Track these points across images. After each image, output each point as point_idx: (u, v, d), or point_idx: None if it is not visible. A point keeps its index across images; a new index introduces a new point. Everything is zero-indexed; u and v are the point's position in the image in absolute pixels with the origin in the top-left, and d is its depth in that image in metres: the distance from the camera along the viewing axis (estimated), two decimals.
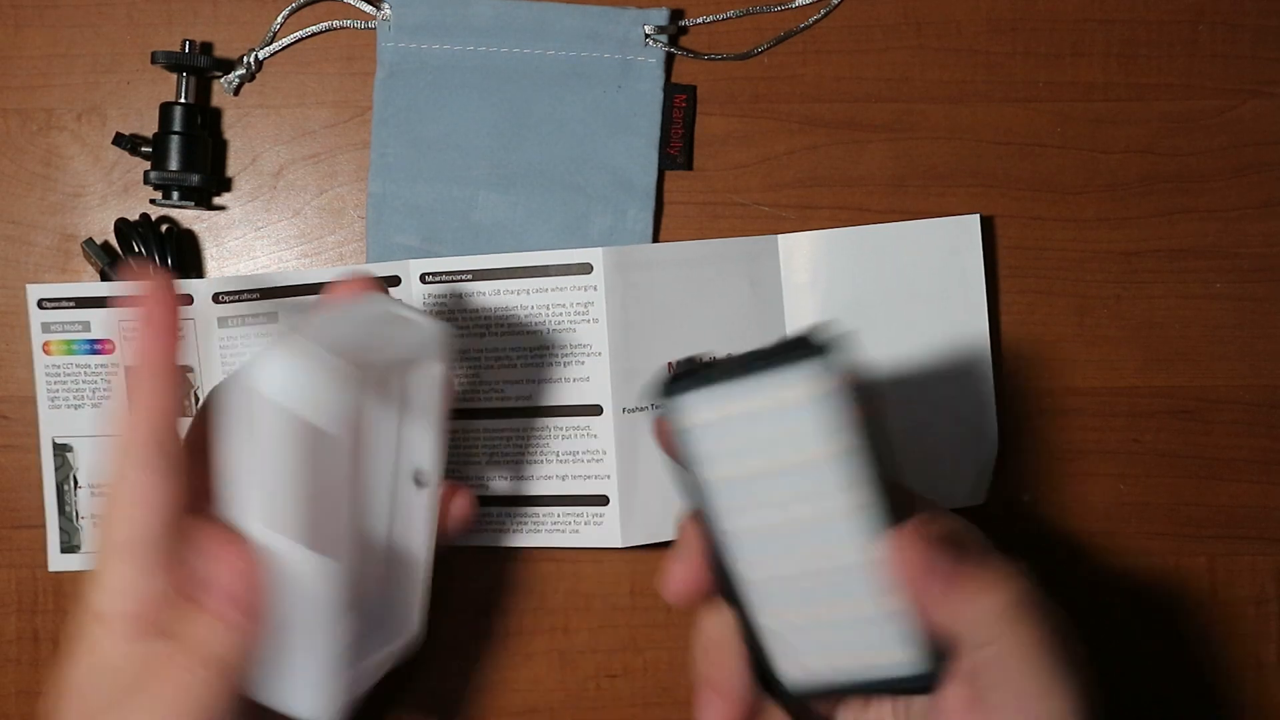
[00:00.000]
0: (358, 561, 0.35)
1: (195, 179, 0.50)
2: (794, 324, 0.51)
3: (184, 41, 0.50)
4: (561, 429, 0.49)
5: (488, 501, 0.50)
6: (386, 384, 0.33)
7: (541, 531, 0.50)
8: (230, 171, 0.52)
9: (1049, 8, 0.52)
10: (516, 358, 0.50)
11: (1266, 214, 0.52)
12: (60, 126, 0.51)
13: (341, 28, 0.51)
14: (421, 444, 0.39)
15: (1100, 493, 0.52)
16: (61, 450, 0.50)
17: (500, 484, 0.50)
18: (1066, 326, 0.52)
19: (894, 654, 0.33)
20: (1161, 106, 0.52)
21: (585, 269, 0.49)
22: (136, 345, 0.34)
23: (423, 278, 0.50)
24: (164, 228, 0.51)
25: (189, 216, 0.52)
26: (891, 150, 0.52)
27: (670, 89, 0.51)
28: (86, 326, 0.50)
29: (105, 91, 0.51)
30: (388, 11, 0.50)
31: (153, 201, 0.50)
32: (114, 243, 0.51)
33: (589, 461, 0.49)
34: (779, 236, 0.51)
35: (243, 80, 0.51)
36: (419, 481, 0.39)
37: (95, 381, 0.50)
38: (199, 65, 0.50)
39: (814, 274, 0.50)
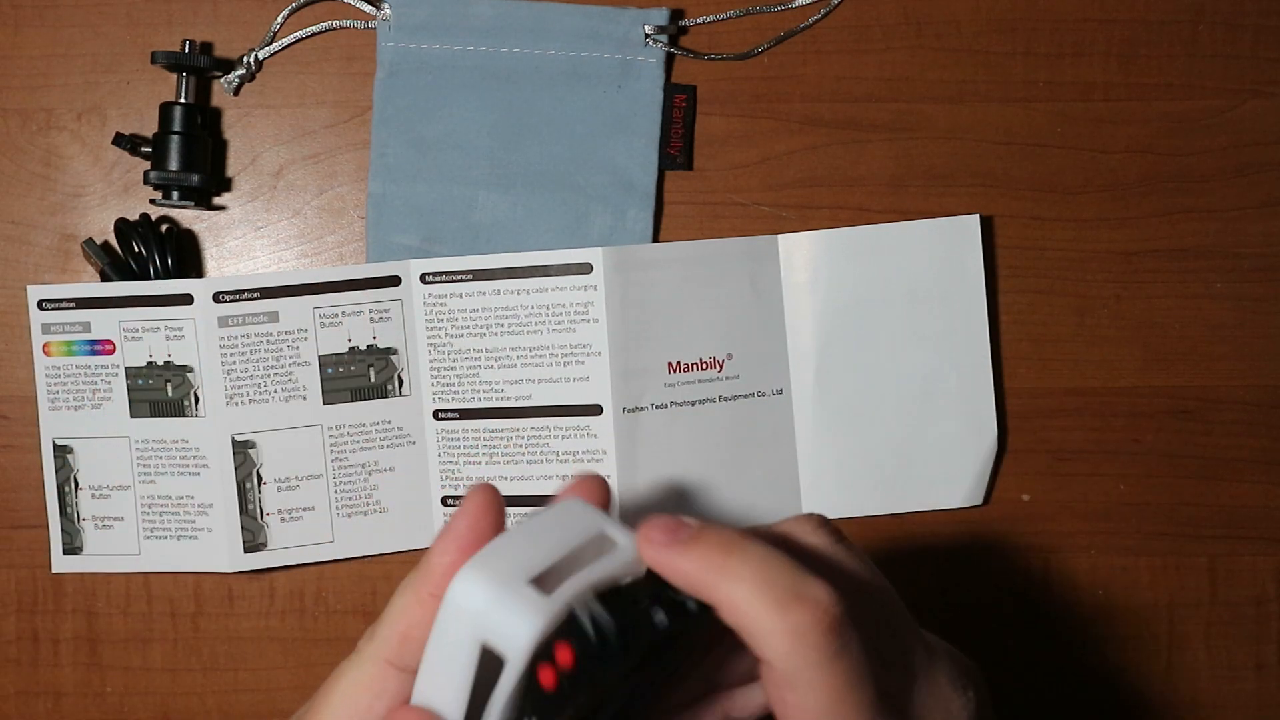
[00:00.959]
0: None
1: (195, 179, 0.50)
2: (794, 323, 0.51)
3: (184, 41, 0.50)
4: (561, 429, 0.49)
5: None
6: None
7: None
8: (230, 171, 0.52)
9: (1049, 8, 0.52)
10: (516, 358, 0.50)
11: (1266, 214, 0.52)
12: (60, 126, 0.51)
13: (341, 28, 0.51)
14: None
15: (1100, 493, 0.52)
16: (62, 451, 0.50)
17: (500, 484, 0.50)
18: (1066, 326, 0.52)
19: None
20: (1161, 106, 0.52)
21: (585, 269, 0.49)
22: (441, 541, 0.30)
23: (423, 278, 0.50)
24: (164, 228, 0.51)
25: (189, 216, 0.52)
26: (891, 150, 0.52)
27: (670, 89, 0.51)
28: (86, 327, 0.50)
29: (105, 91, 0.51)
30: (388, 11, 0.50)
31: (153, 201, 0.50)
32: (114, 243, 0.50)
33: (589, 461, 0.49)
34: (779, 236, 0.51)
35: (243, 80, 0.51)
36: None
37: (95, 383, 0.50)
38: (199, 65, 0.50)
39: (814, 274, 0.50)
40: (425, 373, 0.50)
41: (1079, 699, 0.52)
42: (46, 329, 0.50)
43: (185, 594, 0.51)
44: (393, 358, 0.50)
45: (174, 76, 0.50)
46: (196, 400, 0.49)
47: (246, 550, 0.50)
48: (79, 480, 0.50)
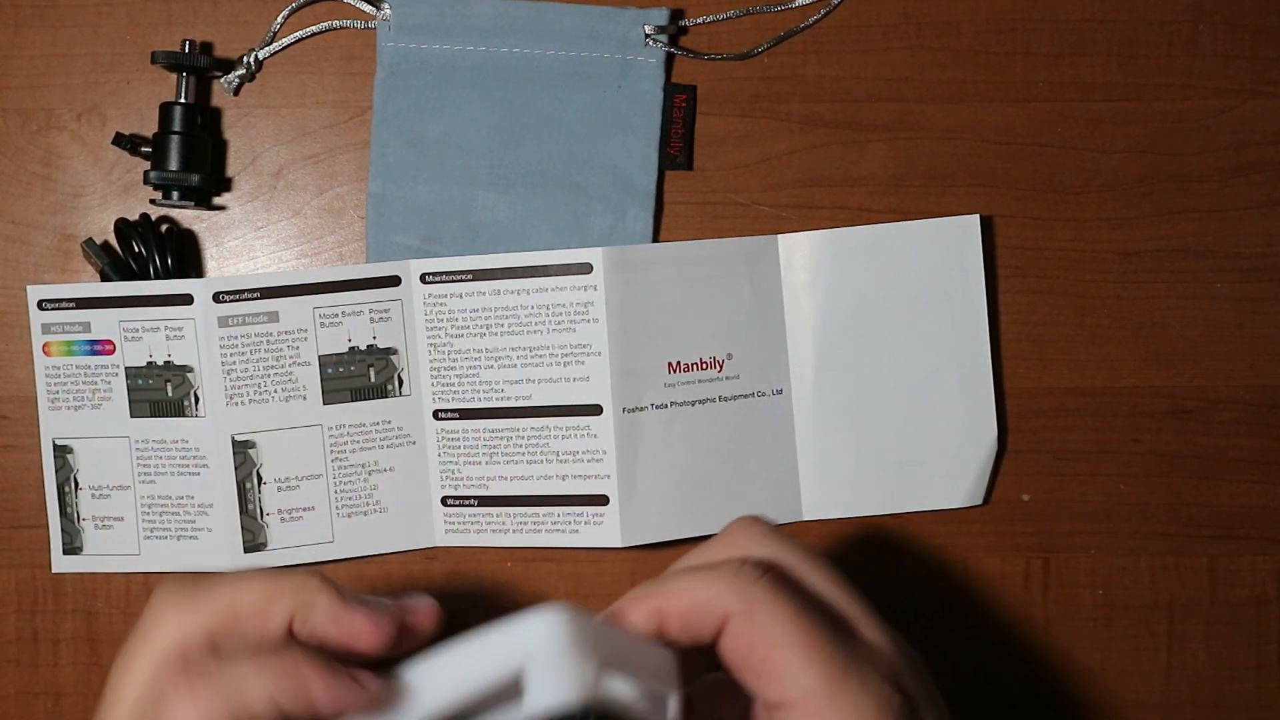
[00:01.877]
0: None
1: (195, 179, 0.50)
2: (794, 324, 0.51)
3: (184, 41, 0.50)
4: (561, 429, 0.49)
5: (488, 501, 0.50)
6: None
7: (541, 531, 0.50)
8: (230, 171, 0.52)
9: (1049, 8, 0.52)
10: (516, 358, 0.50)
11: (1266, 214, 0.52)
12: (60, 126, 0.51)
13: (341, 28, 0.51)
14: None
15: (1100, 493, 0.52)
16: (62, 452, 0.50)
17: (500, 484, 0.50)
18: (1066, 326, 0.52)
19: None
20: (1161, 106, 0.52)
21: (585, 269, 0.49)
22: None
23: (423, 278, 0.50)
24: (164, 228, 0.51)
25: (189, 216, 0.52)
26: (891, 150, 0.52)
27: (670, 89, 0.51)
28: (86, 327, 0.50)
29: (105, 91, 0.51)
30: (388, 11, 0.50)
31: (153, 201, 0.50)
32: (114, 243, 0.51)
33: (589, 461, 0.49)
34: (779, 236, 0.51)
35: (243, 80, 0.51)
36: None
37: (95, 383, 0.50)
38: (199, 65, 0.50)
39: (814, 274, 0.50)
40: (425, 373, 0.50)
41: (1079, 699, 0.52)
42: (46, 329, 0.50)
43: None
44: (393, 358, 0.50)
45: (174, 76, 0.50)
46: (196, 400, 0.49)
47: (246, 550, 0.50)
48: (79, 480, 0.50)
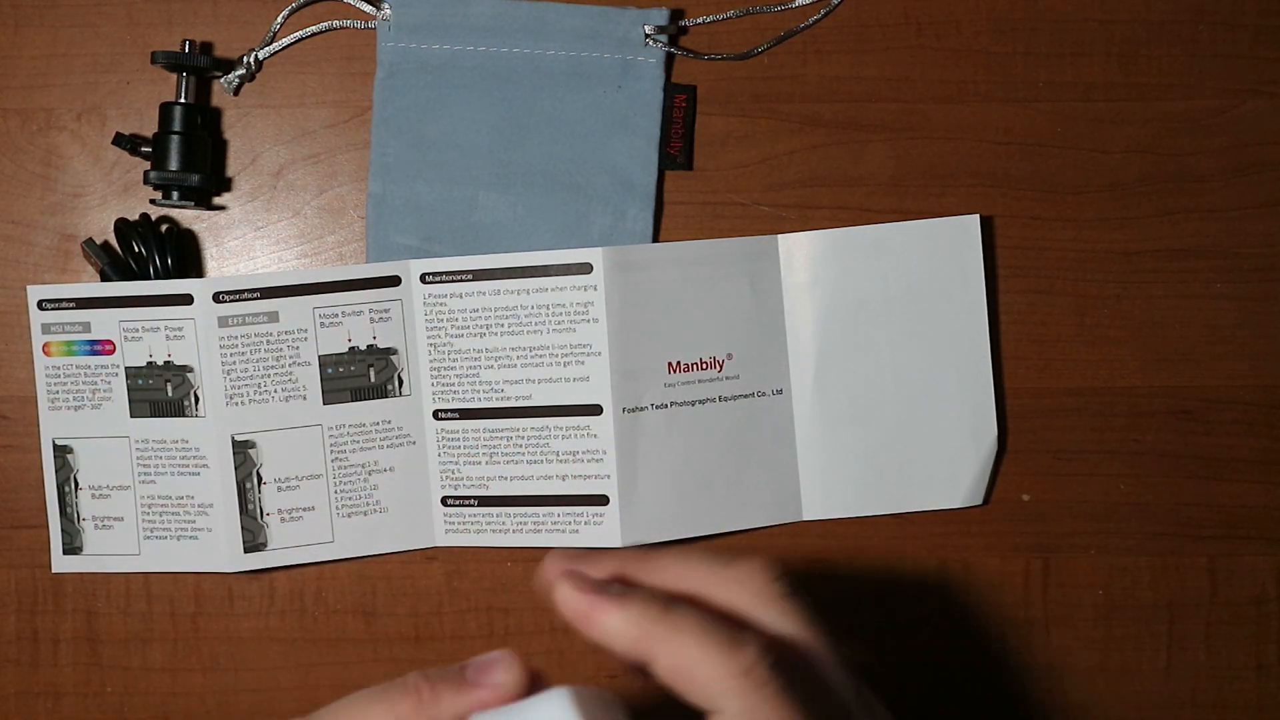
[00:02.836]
0: None
1: (195, 179, 0.50)
2: (794, 324, 0.51)
3: (184, 41, 0.50)
4: (561, 429, 0.49)
5: (488, 501, 0.50)
6: None
7: (541, 531, 0.50)
8: (230, 171, 0.52)
9: (1049, 8, 0.52)
10: (516, 358, 0.50)
11: (1266, 214, 0.52)
12: (60, 126, 0.51)
13: (341, 28, 0.51)
14: None
15: (1100, 493, 0.52)
16: (62, 452, 0.50)
17: (500, 484, 0.50)
18: (1066, 326, 0.52)
19: None
20: (1161, 106, 0.52)
21: (585, 269, 0.49)
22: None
23: (423, 278, 0.50)
24: (164, 228, 0.51)
25: (189, 216, 0.52)
26: (891, 150, 0.52)
27: (670, 89, 0.51)
28: (86, 327, 0.50)
29: (105, 91, 0.51)
30: (388, 11, 0.50)
31: (153, 201, 0.50)
32: (114, 243, 0.51)
33: (589, 461, 0.49)
34: (779, 236, 0.51)
35: (243, 80, 0.51)
36: None
37: (95, 383, 0.50)
38: (199, 65, 0.50)
39: (814, 274, 0.50)
40: (425, 373, 0.50)
41: (1079, 699, 0.52)
42: (46, 329, 0.50)
43: (185, 594, 0.51)
44: (393, 358, 0.50)
45: (174, 76, 0.50)
46: (196, 400, 0.49)
47: (246, 550, 0.50)
48: (79, 480, 0.50)
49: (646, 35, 0.50)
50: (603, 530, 0.49)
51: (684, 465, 0.50)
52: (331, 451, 0.50)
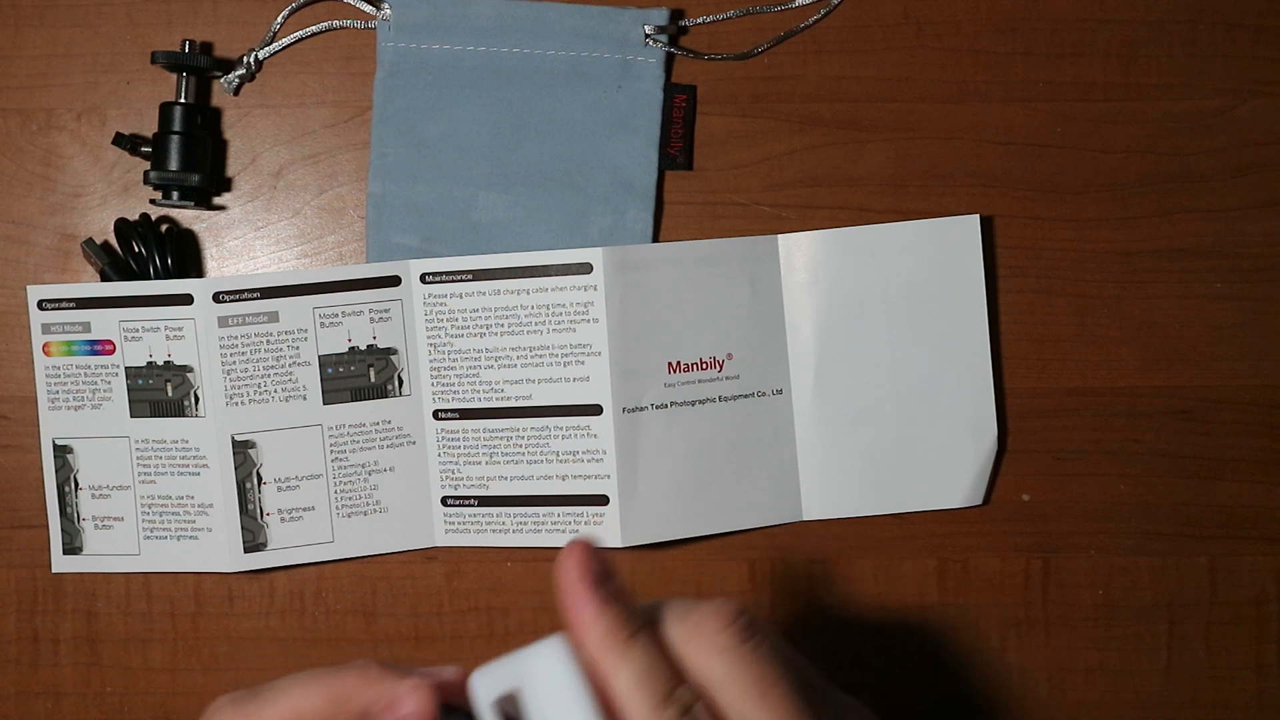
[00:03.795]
0: None
1: (195, 179, 0.50)
2: (794, 323, 0.51)
3: (184, 41, 0.50)
4: (561, 429, 0.49)
5: (488, 501, 0.50)
6: None
7: (541, 531, 0.50)
8: (230, 171, 0.52)
9: (1049, 8, 0.52)
10: (516, 358, 0.50)
11: (1266, 214, 0.52)
12: (60, 126, 0.51)
13: (341, 28, 0.51)
14: None
15: (1100, 493, 0.52)
16: (62, 452, 0.50)
17: (500, 484, 0.50)
18: (1066, 326, 0.52)
19: None
20: (1161, 106, 0.52)
21: (585, 269, 0.49)
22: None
23: (423, 278, 0.50)
24: (164, 228, 0.51)
25: (189, 216, 0.52)
26: (891, 150, 0.52)
27: (670, 89, 0.51)
28: (86, 327, 0.50)
29: (105, 91, 0.51)
30: (388, 11, 0.50)
31: (153, 201, 0.50)
32: (114, 243, 0.51)
33: (589, 461, 0.49)
34: (779, 236, 0.51)
35: (243, 80, 0.51)
36: None
37: (95, 383, 0.50)
38: (199, 65, 0.50)
39: (814, 274, 0.50)
40: (425, 373, 0.50)
41: (1079, 699, 0.52)
42: (46, 329, 0.50)
43: (185, 594, 0.51)
44: (393, 358, 0.50)
45: (174, 76, 0.50)
46: (196, 400, 0.49)
47: (246, 550, 0.50)
48: (79, 480, 0.50)
49: (646, 35, 0.50)
50: (603, 530, 0.49)
51: (684, 465, 0.50)
52: (331, 451, 0.50)
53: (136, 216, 0.50)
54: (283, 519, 0.50)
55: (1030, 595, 0.52)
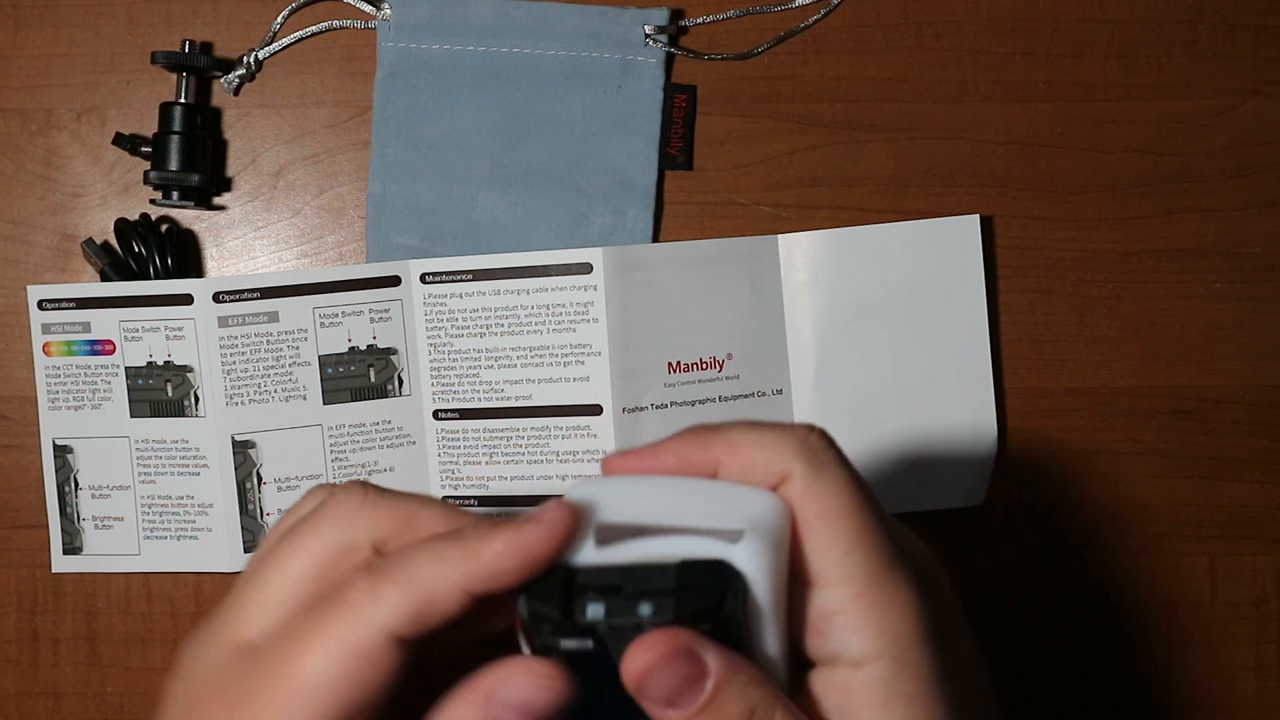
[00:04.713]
0: None
1: (195, 179, 0.50)
2: (794, 323, 0.51)
3: (184, 41, 0.50)
4: (561, 429, 0.49)
5: (488, 501, 0.50)
6: None
7: None
8: (230, 171, 0.52)
9: (1049, 8, 0.52)
10: (516, 358, 0.50)
11: (1266, 214, 0.52)
12: (60, 126, 0.51)
13: (341, 28, 0.51)
14: None
15: (1100, 493, 0.52)
16: (62, 452, 0.50)
17: (500, 484, 0.50)
18: (1066, 326, 0.52)
19: None
20: (1161, 106, 0.52)
21: (585, 269, 0.49)
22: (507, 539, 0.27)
23: (423, 278, 0.50)
24: (164, 228, 0.51)
25: (189, 216, 0.52)
26: (891, 150, 0.52)
27: (670, 89, 0.51)
28: (86, 327, 0.50)
29: (105, 91, 0.51)
30: (388, 11, 0.50)
31: (153, 201, 0.50)
32: (114, 243, 0.51)
33: (589, 461, 0.49)
34: (779, 236, 0.51)
35: (243, 80, 0.51)
36: None
37: (95, 383, 0.50)
38: (199, 65, 0.50)
39: (814, 274, 0.50)
40: (425, 373, 0.50)
41: (1079, 699, 0.52)
42: (46, 329, 0.50)
43: (185, 594, 0.51)
44: (393, 358, 0.50)
45: (174, 76, 0.50)
46: (196, 400, 0.49)
47: (246, 550, 0.50)
48: (79, 480, 0.50)
49: (646, 35, 0.50)
50: None
51: None
52: (331, 451, 0.50)
53: (136, 216, 0.50)
54: None
55: (1031, 595, 0.52)
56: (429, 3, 0.50)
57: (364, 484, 0.30)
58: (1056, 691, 0.52)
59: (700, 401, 0.50)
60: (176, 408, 0.50)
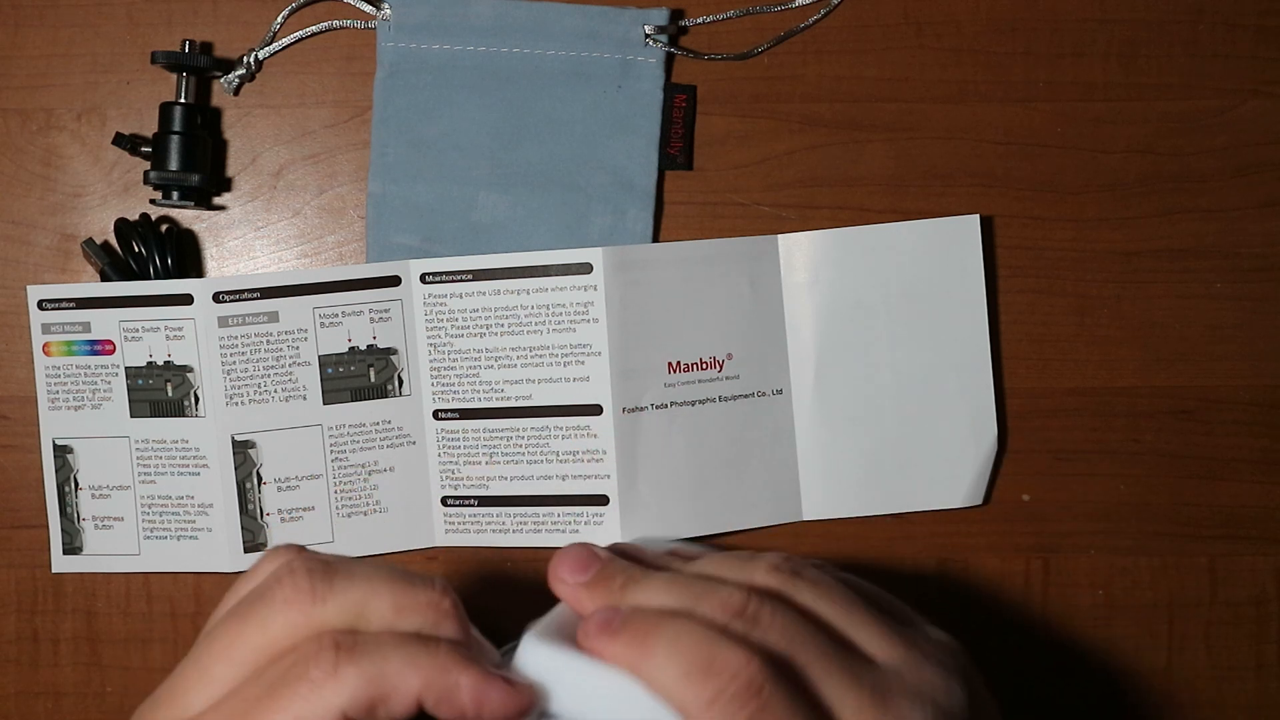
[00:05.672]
0: None
1: (195, 179, 0.50)
2: (794, 323, 0.51)
3: (184, 41, 0.50)
4: (561, 429, 0.49)
5: (488, 501, 0.50)
6: None
7: (541, 531, 0.50)
8: (230, 171, 0.52)
9: (1049, 8, 0.52)
10: (516, 358, 0.50)
11: (1266, 214, 0.52)
12: (60, 126, 0.51)
13: (341, 28, 0.51)
14: None
15: (1100, 493, 0.52)
16: (62, 452, 0.50)
17: (500, 484, 0.50)
18: (1066, 326, 0.52)
19: None
20: (1161, 106, 0.52)
21: (585, 269, 0.49)
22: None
23: (423, 278, 0.50)
24: (164, 228, 0.51)
25: (189, 216, 0.52)
26: (891, 150, 0.52)
27: (670, 89, 0.51)
28: (86, 327, 0.50)
29: (105, 91, 0.51)
30: (388, 11, 0.50)
31: (153, 201, 0.50)
32: (114, 243, 0.51)
33: (589, 461, 0.49)
34: (779, 236, 0.51)
35: (243, 80, 0.51)
36: None
37: (95, 383, 0.50)
38: (199, 65, 0.50)
39: (814, 274, 0.50)
40: (425, 373, 0.50)
41: (1079, 699, 0.52)
42: (46, 329, 0.50)
43: (185, 594, 0.51)
44: (393, 358, 0.50)
45: (174, 76, 0.50)
46: (196, 400, 0.49)
47: (246, 550, 0.50)
48: (79, 480, 0.50)
49: (646, 35, 0.50)
50: (603, 530, 0.49)
51: (684, 465, 0.50)
52: (331, 451, 0.50)
53: (136, 216, 0.50)
54: (283, 519, 0.50)
55: (1030, 595, 0.52)
56: (429, 3, 0.50)
57: (314, 573, 0.31)
58: (1056, 691, 0.52)
59: (700, 401, 0.50)
60: (176, 408, 0.50)
